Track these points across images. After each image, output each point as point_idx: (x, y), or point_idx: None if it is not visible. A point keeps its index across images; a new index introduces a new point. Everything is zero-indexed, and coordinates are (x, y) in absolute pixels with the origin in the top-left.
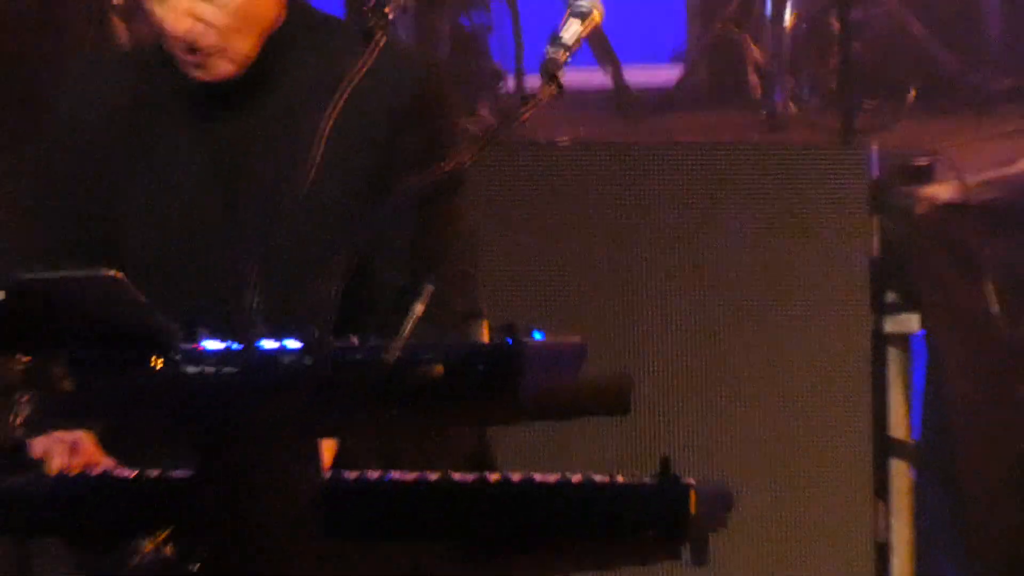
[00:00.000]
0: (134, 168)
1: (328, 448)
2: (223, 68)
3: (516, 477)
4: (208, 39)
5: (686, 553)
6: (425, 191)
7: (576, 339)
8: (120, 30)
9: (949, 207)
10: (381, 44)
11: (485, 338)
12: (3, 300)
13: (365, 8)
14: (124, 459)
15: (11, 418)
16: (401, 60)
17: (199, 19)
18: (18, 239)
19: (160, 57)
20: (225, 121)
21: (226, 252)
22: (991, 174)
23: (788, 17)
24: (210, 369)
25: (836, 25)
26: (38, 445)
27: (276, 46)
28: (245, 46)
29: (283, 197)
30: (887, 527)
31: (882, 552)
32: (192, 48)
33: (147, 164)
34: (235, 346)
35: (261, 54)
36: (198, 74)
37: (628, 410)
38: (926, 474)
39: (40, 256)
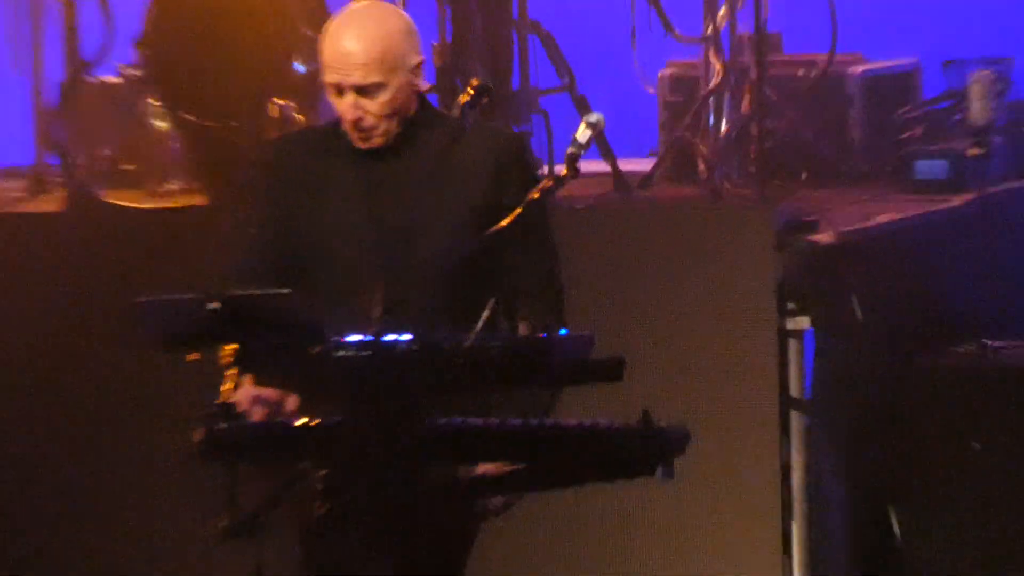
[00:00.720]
0: (313, 206)
1: None
2: (377, 140)
3: (549, 423)
4: (368, 122)
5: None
6: (523, 218)
7: (588, 333)
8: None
9: (828, 247)
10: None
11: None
12: (219, 308)
13: (465, 96)
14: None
15: (224, 386)
16: (495, 132)
17: (363, 110)
18: (229, 262)
19: (336, 130)
20: (376, 171)
21: (369, 267)
22: (855, 227)
23: (724, 126)
24: (350, 353)
25: (755, 130)
26: (243, 402)
27: (410, 125)
28: (392, 127)
29: (415, 223)
30: (789, 455)
31: (786, 474)
32: (358, 127)
33: (322, 202)
34: (367, 338)
35: (401, 129)
36: (361, 144)
37: (621, 378)
38: (815, 420)
39: (241, 277)
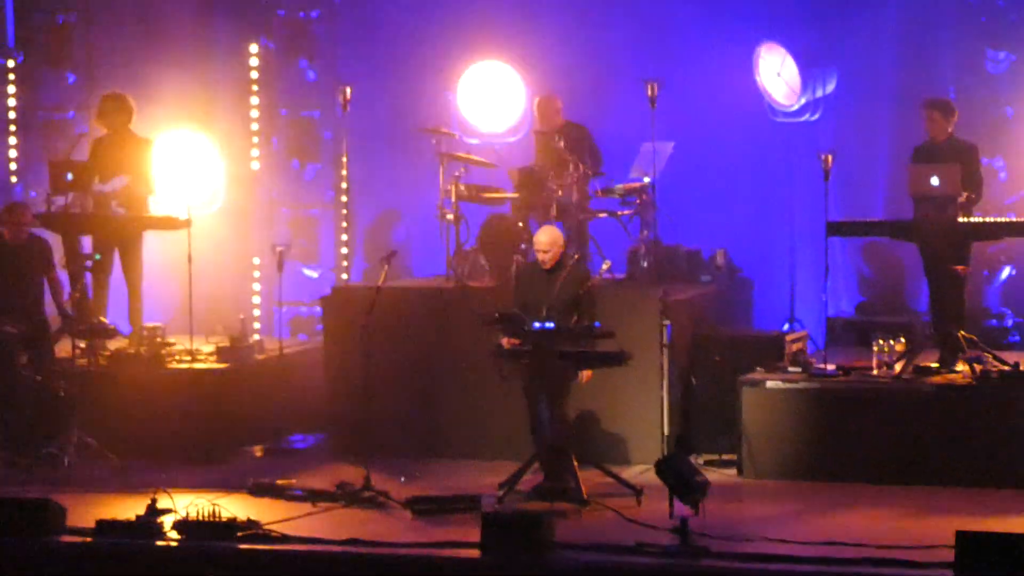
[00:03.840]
0: (531, 293)
1: None
2: (549, 263)
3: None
4: (544, 246)
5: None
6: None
7: (610, 330)
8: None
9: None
10: (576, 260)
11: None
12: (499, 316)
13: (567, 252)
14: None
15: (502, 339)
16: (582, 266)
17: (547, 242)
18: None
19: (536, 263)
20: (549, 282)
21: (543, 309)
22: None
23: None
24: (537, 327)
25: None
26: (504, 343)
27: (558, 264)
28: (558, 255)
29: (560, 302)
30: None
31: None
32: (543, 251)
33: (535, 292)
34: (540, 325)
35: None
36: (543, 263)
37: (626, 363)
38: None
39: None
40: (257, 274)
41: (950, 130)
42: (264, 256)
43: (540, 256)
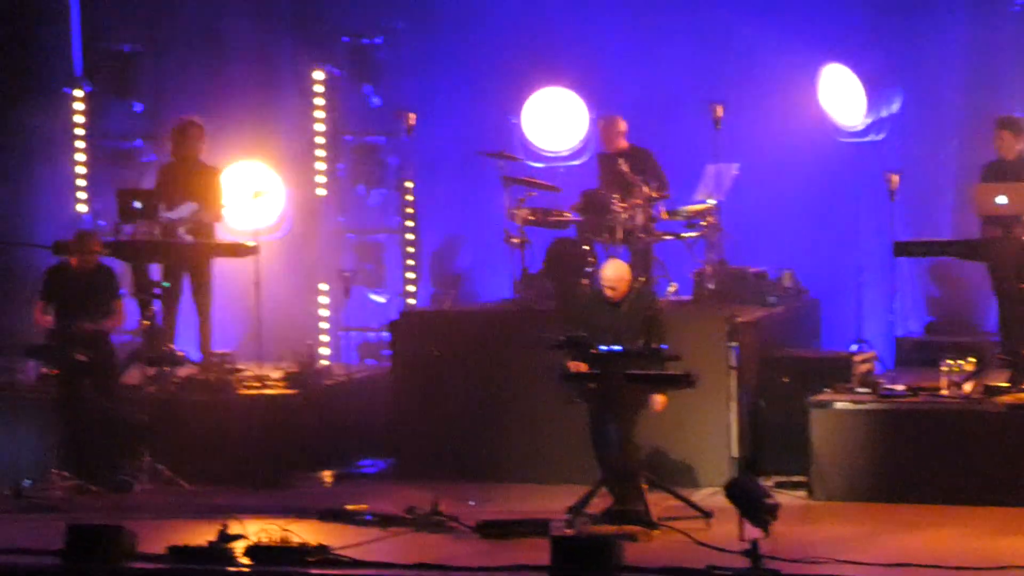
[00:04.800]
0: (597, 319)
1: None
2: (616, 297)
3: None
4: (611, 282)
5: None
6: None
7: (677, 353)
8: None
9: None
10: (640, 285)
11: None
12: (565, 339)
13: (633, 286)
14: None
15: (570, 363)
16: (648, 289)
17: (614, 278)
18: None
19: (601, 292)
20: (614, 308)
21: (609, 333)
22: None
23: None
24: (604, 350)
25: None
26: (571, 367)
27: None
28: (625, 290)
29: (627, 327)
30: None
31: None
32: (611, 288)
33: (601, 318)
34: (606, 348)
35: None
36: (609, 296)
37: (695, 385)
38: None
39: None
40: (324, 300)
41: (1019, 148)
42: (331, 282)
43: (607, 292)
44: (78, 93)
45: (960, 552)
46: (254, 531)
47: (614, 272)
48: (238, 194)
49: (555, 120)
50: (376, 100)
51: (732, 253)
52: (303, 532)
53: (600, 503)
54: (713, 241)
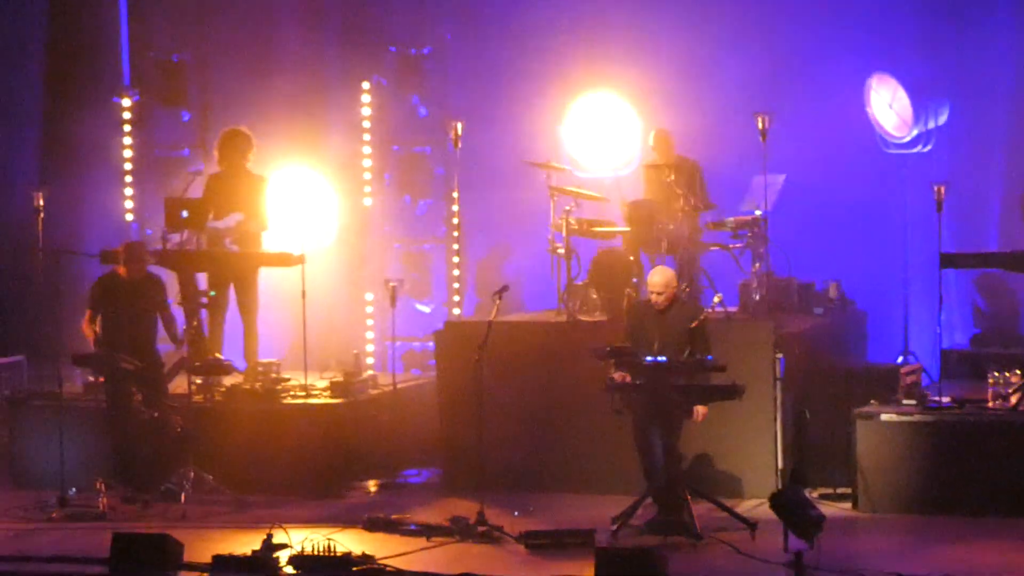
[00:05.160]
0: (643, 329)
1: None
2: (662, 304)
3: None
4: (658, 287)
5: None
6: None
7: (723, 363)
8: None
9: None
10: (685, 295)
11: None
12: (611, 350)
13: (679, 295)
14: None
15: (615, 373)
16: (694, 300)
17: (661, 284)
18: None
19: (649, 302)
20: (660, 318)
21: (655, 344)
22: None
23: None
24: (650, 361)
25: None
26: (617, 377)
27: (670, 304)
28: (671, 297)
29: (672, 337)
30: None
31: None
32: (657, 294)
33: (647, 328)
34: (652, 359)
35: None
36: (656, 304)
37: (741, 396)
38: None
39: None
40: (370, 309)
41: None
42: (377, 291)
43: (654, 298)
44: (126, 102)
45: (1007, 564)
46: (298, 540)
47: (661, 278)
48: (286, 203)
49: (602, 129)
50: (423, 110)
51: (778, 264)
52: (348, 541)
53: (645, 513)
54: (759, 252)
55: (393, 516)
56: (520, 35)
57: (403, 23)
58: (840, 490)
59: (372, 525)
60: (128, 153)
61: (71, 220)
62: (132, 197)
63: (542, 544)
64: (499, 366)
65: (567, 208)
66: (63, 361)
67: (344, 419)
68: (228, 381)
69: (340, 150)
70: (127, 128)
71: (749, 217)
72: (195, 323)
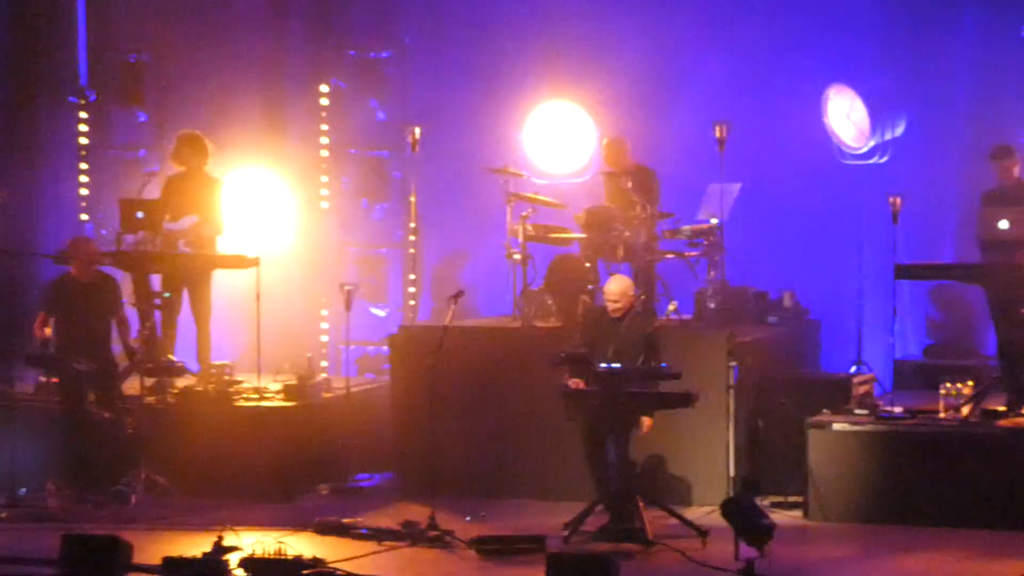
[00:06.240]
0: (597, 336)
1: None
2: (619, 312)
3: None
4: (614, 295)
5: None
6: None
7: (677, 371)
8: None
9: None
10: (641, 303)
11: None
12: (565, 356)
13: (635, 303)
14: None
15: (569, 380)
16: (649, 308)
17: (617, 292)
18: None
19: (605, 308)
20: (615, 325)
21: (610, 351)
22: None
23: None
24: (605, 368)
25: None
26: (571, 383)
27: (626, 312)
28: (628, 305)
29: (627, 345)
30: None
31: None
32: (613, 302)
33: (602, 335)
34: (606, 366)
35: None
36: (612, 312)
37: (694, 404)
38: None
39: (571, 349)
40: (325, 312)
41: (1016, 174)
42: (332, 295)
43: (610, 306)
44: (83, 102)
45: (954, 574)
46: (249, 543)
47: (617, 286)
48: (241, 205)
49: (560, 137)
50: (381, 114)
51: (734, 273)
52: (299, 545)
53: (597, 520)
54: (715, 260)
55: (344, 520)
56: (480, 41)
57: (362, 27)
58: (792, 498)
59: (323, 529)
60: (83, 153)
61: (25, 220)
62: (87, 198)
63: (493, 549)
64: (453, 371)
65: (524, 214)
66: (15, 361)
67: (297, 422)
68: (181, 383)
69: (297, 153)
70: (83, 128)
71: (705, 225)
72: (149, 324)
